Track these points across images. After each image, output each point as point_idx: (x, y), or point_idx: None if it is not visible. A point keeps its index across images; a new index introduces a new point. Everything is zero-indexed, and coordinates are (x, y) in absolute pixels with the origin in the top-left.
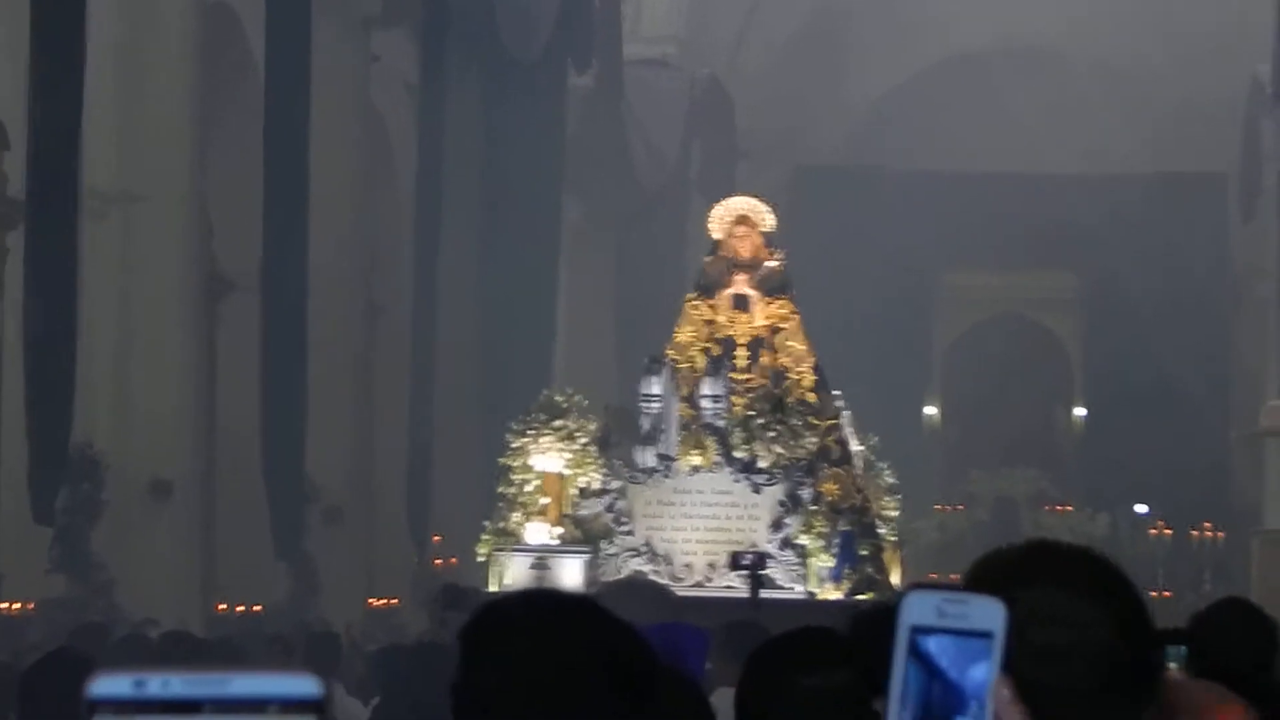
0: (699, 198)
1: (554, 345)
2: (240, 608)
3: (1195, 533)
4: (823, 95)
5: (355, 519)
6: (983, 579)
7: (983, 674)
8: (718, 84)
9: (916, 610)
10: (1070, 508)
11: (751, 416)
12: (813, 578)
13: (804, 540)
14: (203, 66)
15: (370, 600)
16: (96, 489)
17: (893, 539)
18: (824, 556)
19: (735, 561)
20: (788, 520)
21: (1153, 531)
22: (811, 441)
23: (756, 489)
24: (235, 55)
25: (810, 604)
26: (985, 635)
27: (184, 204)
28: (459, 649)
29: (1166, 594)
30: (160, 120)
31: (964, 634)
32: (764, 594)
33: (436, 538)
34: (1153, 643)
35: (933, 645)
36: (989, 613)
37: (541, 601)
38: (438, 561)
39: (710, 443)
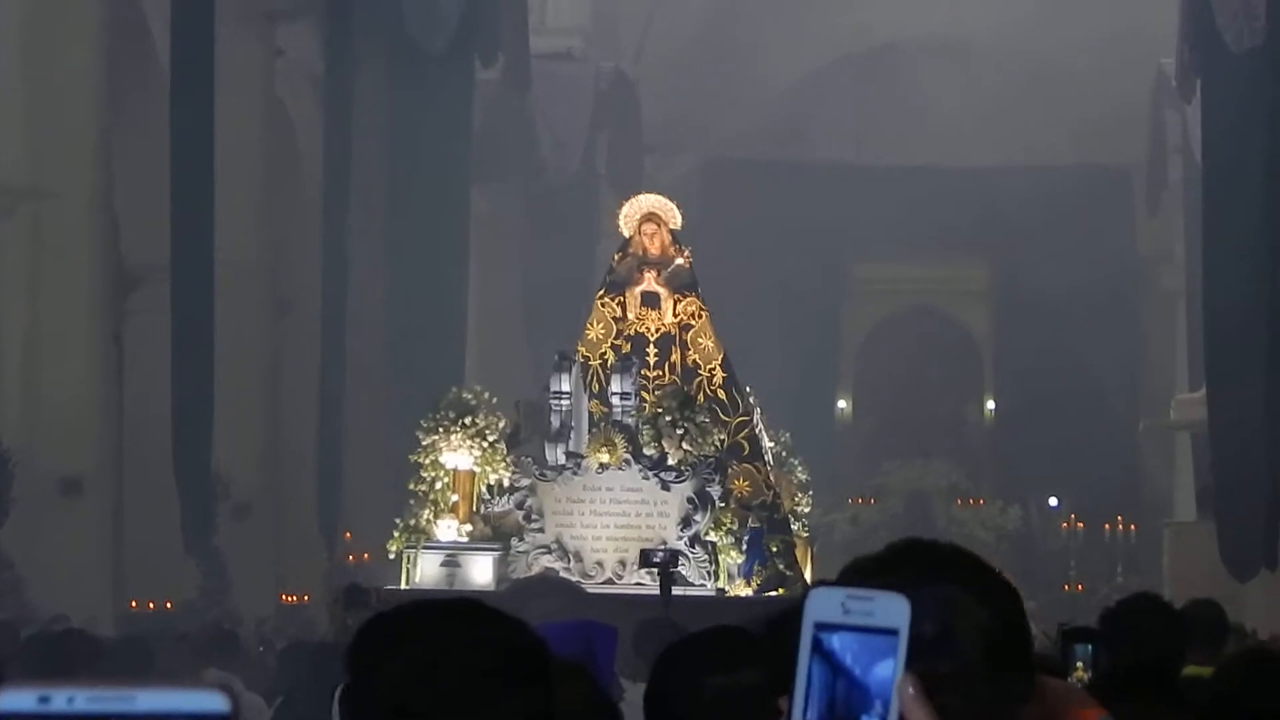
0: (607, 190)
1: (464, 339)
2: (151, 604)
3: (1107, 525)
4: (732, 86)
5: (265, 515)
6: (851, 580)
7: (888, 671)
8: (624, 77)
9: (821, 607)
10: (983, 501)
11: (660, 414)
12: (723, 574)
13: (713, 537)
14: (108, 62)
15: (282, 596)
16: (5, 486)
17: (805, 535)
18: (734, 554)
19: (646, 559)
20: (697, 517)
21: (1065, 525)
22: (720, 438)
23: (665, 486)
24: (140, 50)
25: (720, 601)
26: (890, 632)
27: (91, 199)
28: (346, 663)
29: (1079, 587)
30: (66, 116)
31: (869, 631)
32: (675, 591)
33: (347, 534)
34: (1023, 620)
35: (837, 642)
36: (894, 609)
37: (428, 608)
38: (350, 558)
39: (619, 440)
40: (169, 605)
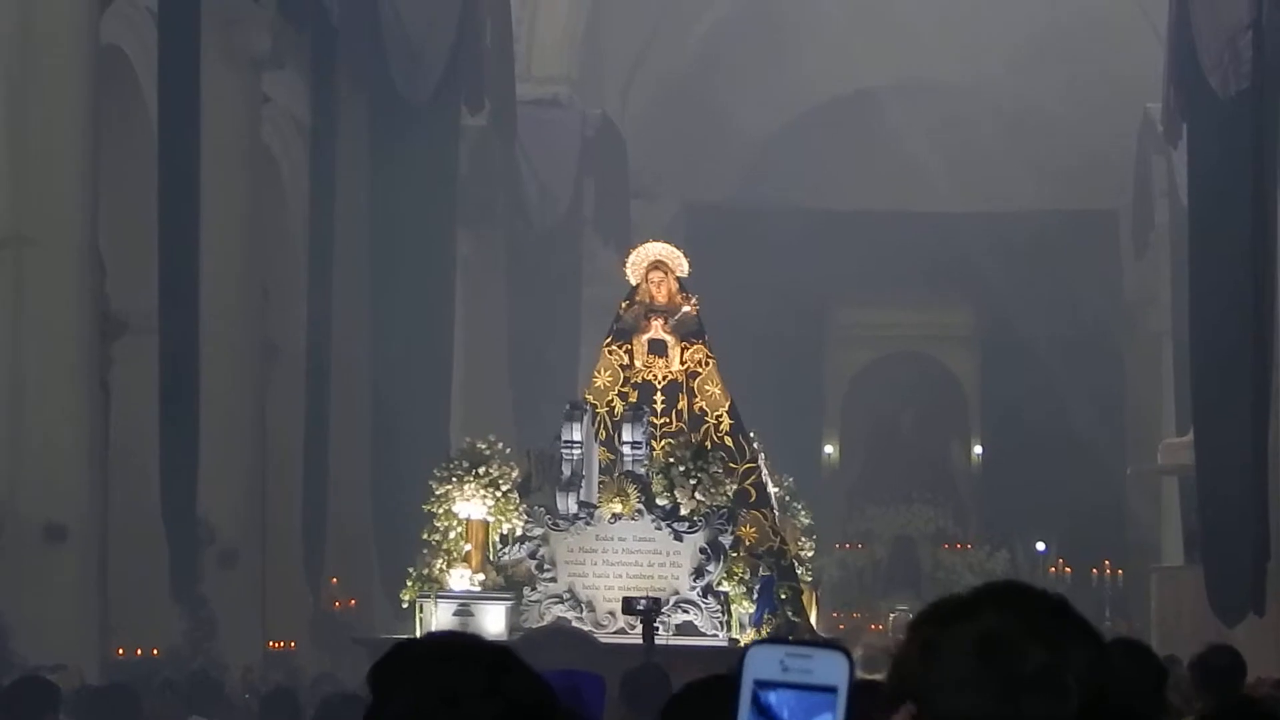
0: (593, 236)
1: (449, 384)
2: (138, 651)
3: (1095, 570)
4: (715, 132)
5: (251, 561)
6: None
7: None
8: (610, 123)
9: (760, 664)
10: (970, 545)
11: (672, 464)
12: (734, 624)
13: (726, 587)
14: (94, 108)
15: (269, 643)
16: None
17: (808, 579)
18: (746, 603)
19: (629, 606)
20: (710, 567)
21: (1052, 569)
22: (731, 488)
23: (678, 536)
24: (126, 96)
25: (732, 651)
26: (829, 690)
27: (76, 246)
28: (368, 686)
29: None
30: (52, 162)
31: (808, 689)
32: (688, 642)
33: (334, 580)
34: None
35: (775, 699)
36: (833, 667)
37: (446, 641)
38: (336, 604)
39: (632, 490)
40: (155, 652)
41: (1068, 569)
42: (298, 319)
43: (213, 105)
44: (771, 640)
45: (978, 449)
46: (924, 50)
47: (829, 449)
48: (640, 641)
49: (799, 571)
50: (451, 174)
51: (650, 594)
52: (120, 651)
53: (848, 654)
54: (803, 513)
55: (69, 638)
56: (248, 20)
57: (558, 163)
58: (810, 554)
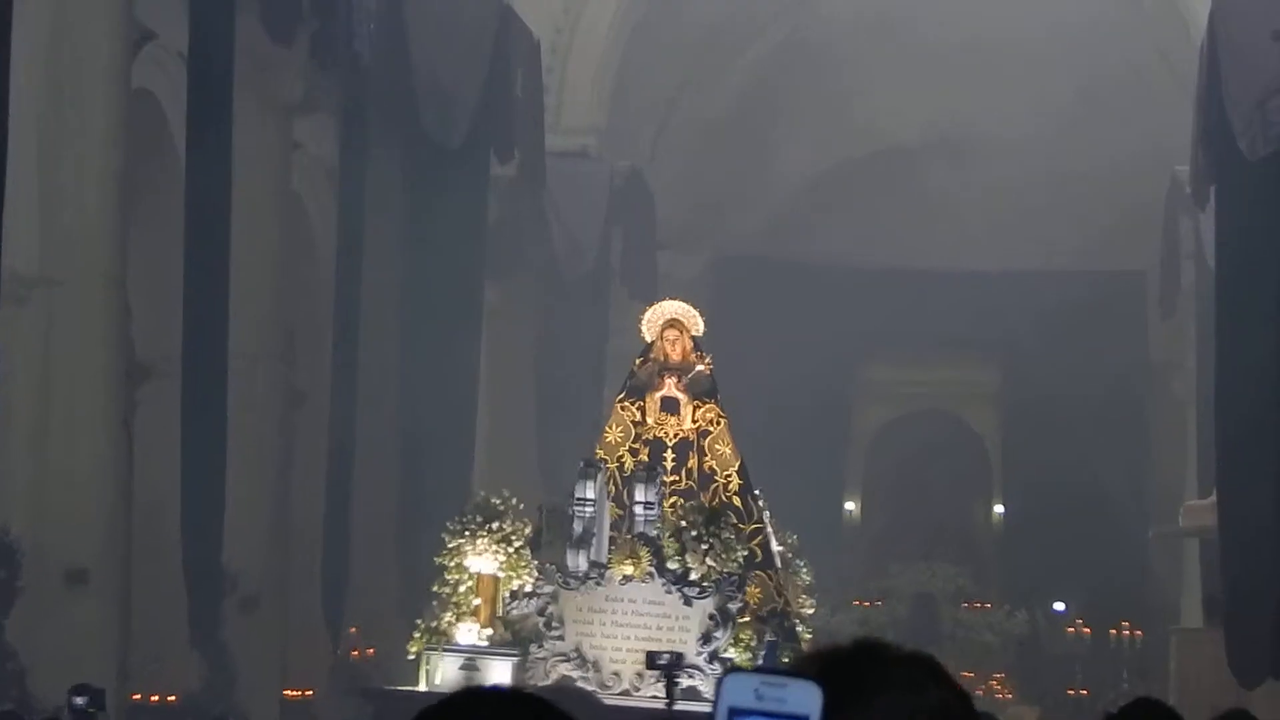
0: (620, 287)
1: (474, 434)
2: (155, 698)
3: (1114, 631)
4: (745, 186)
5: (271, 609)
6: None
7: None
8: (638, 175)
9: (734, 692)
10: (989, 604)
11: (685, 527)
12: None
13: (732, 654)
14: (123, 151)
15: (286, 691)
16: (12, 576)
17: (808, 636)
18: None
19: (651, 660)
20: (717, 634)
21: (1071, 630)
22: (742, 553)
23: (688, 601)
24: (156, 140)
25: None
26: (802, 719)
27: (104, 289)
28: None
29: (1084, 692)
30: (82, 205)
31: (781, 717)
32: (689, 707)
33: (354, 629)
34: None
35: None
36: (806, 697)
37: (498, 694)
38: (355, 653)
39: (644, 553)
40: (173, 699)
41: (1086, 629)
42: (324, 366)
43: (243, 150)
44: (747, 669)
45: (999, 508)
46: (962, 108)
47: (850, 505)
48: (647, 706)
49: (800, 630)
50: (481, 222)
51: (671, 653)
52: (137, 697)
53: (821, 684)
54: (804, 570)
55: (87, 681)
56: (279, 65)
57: (586, 214)
58: (811, 612)
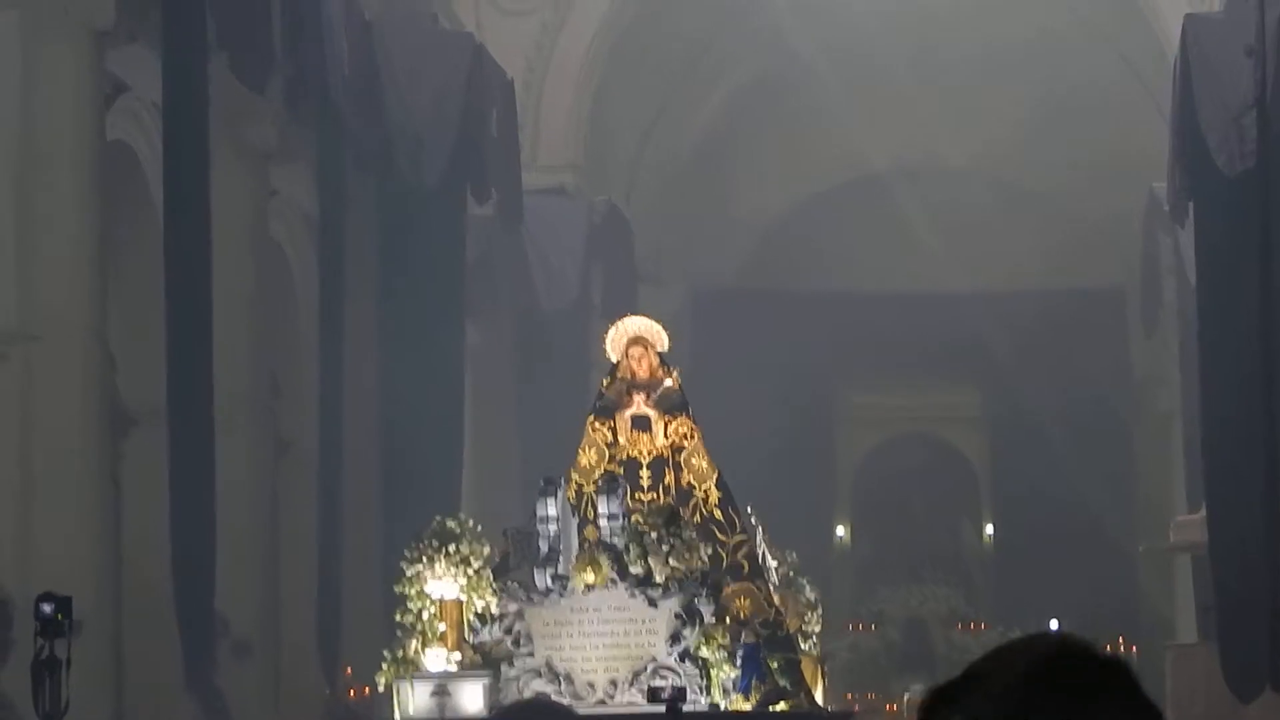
0: (601, 322)
1: (460, 472)
2: None
3: (1109, 647)
4: (722, 217)
5: (265, 652)
6: None
7: None
8: (616, 209)
9: None
10: (983, 625)
11: (644, 531)
12: (716, 689)
13: (705, 653)
14: (100, 203)
15: None
16: (4, 628)
17: (814, 653)
18: (727, 668)
19: (654, 695)
20: (685, 632)
21: None
22: (707, 553)
23: (652, 603)
24: (134, 191)
25: (718, 716)
26: None
27: (85, 341)
28: None
29: None
30: (60, 258)
31: None
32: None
33: (348, 670)
34: None
35: None
36: None
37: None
38: (350, 692)
39: (604, 560)
40: None
41: None
42: (309, 411)
43: (220, 198)
44: None
45: (989, 529)
46: (930, 133)
47: (840, 530)
48: (624, 713)
49: (804, 646)
50: (459, 261)
51: (673, 687)
52: None
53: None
54: (808, 587)
55: None
56: (254, 113)
57: (565, 250)
58: (817, 628)
